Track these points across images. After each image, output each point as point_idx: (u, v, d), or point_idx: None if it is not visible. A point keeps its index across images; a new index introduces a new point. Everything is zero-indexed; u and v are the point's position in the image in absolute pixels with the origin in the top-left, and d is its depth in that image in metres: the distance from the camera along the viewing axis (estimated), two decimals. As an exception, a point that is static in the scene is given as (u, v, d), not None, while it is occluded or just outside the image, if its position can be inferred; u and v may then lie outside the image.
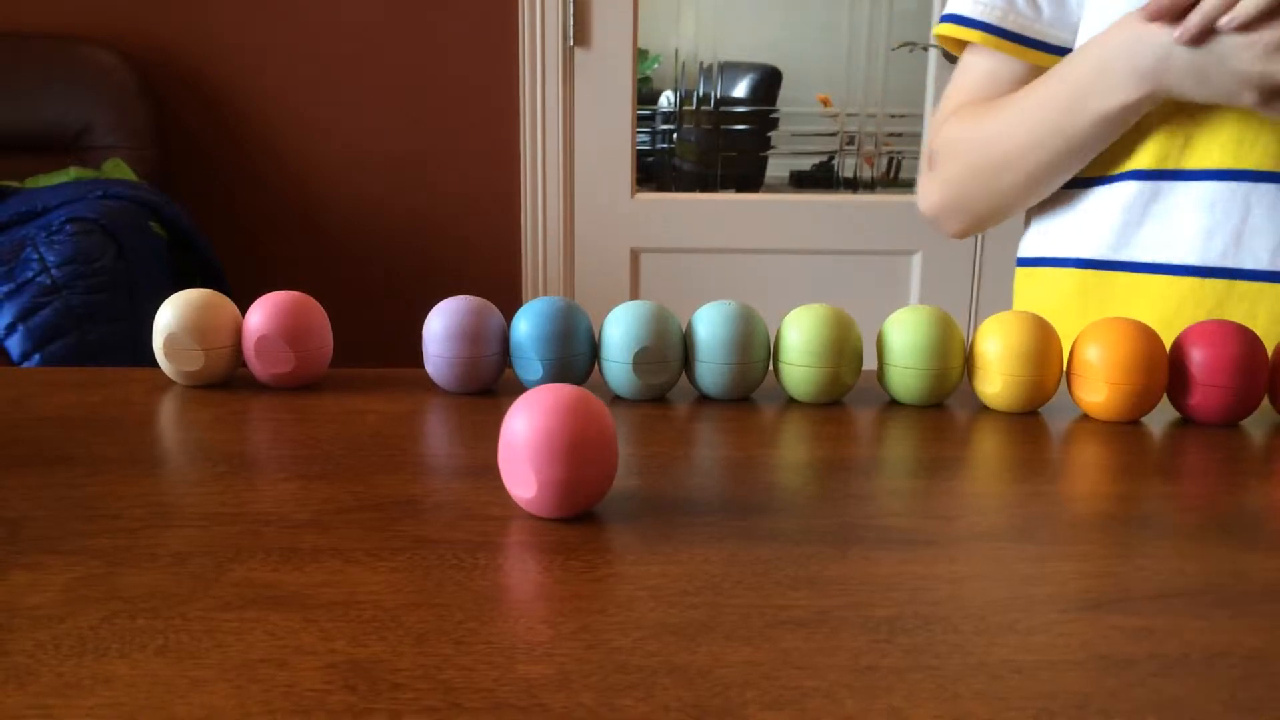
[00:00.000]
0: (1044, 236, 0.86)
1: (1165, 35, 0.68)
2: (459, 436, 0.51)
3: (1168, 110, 0.75)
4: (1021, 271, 0.89)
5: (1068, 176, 0.80)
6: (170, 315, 0.56)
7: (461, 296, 0.57)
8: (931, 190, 0.88)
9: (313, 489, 0.44)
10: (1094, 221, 0.81)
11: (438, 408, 0.56)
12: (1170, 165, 0.76)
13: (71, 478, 0.44)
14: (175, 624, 0.32)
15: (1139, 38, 0.70)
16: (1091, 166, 0.80)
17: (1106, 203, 0.79)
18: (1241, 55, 0.66)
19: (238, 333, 0.57)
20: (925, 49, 2.21)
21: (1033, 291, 0.87)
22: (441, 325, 0.55)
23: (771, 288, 2.26)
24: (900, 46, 2.50)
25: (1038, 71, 0.82)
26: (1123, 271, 0.79)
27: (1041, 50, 0.81)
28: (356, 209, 2.17)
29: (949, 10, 0.86)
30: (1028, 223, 0.89)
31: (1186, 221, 0.75)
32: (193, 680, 0.29)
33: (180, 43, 2.09)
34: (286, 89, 2.11)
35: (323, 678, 0.29)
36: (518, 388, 0.58)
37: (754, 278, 2.26)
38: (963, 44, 0.86)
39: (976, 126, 0.83)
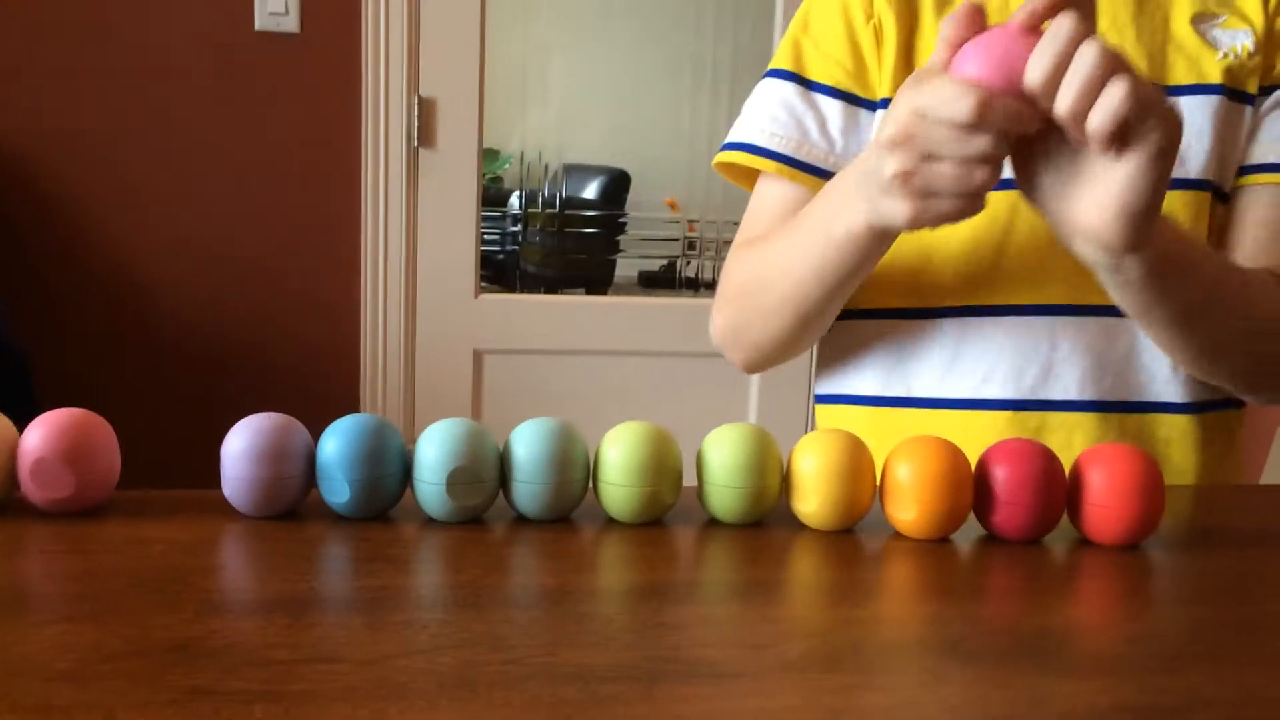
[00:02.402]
0: (848, 373, 0.85)
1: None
2: (253, 567, 0.48)
3: (970, 246, 0.77)
4: (823, 409, 0.88)
5: (832, 306, 0.76)
6: (-64, 435, 0.51)
7: (264, 414, 0.54)
8: (716, 318, 0.85)
9: (78, 633, 0.40)
10: (906, 358, 0.80)
11: (234, 534, 0.52)
12: (981, 300, 0.77)
13: None
14: (-118, 808, 0.28)
15: (868, 158, 0.63)
16: (899, 301, 0.80)
17: (919, 338, 0.80)
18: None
19: (13, 455, 0.52)
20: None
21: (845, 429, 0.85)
22: (241, 444, 0.52)
23: (614, 390, 2.26)
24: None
25: None
26: (940, 409, 0.79)
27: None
28: (187, 308, 2.08)
29: (737, 139, 0.83)
30: (827, 360, 0.87)
31: (998, 356, 0.77)
32: None
33: (-3, 129, 1.99)
34: (115, 180, 2.03)
35: None
36: (323, 510, 0.55)
37: (597, 380, 2.27)
38: (749, 172, 0.83)
39: (750, 256, 0.80)
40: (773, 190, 0.83)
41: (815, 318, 0.76)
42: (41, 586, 0.45)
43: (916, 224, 0.60)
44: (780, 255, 0.75)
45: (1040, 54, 0.52)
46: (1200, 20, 0.77)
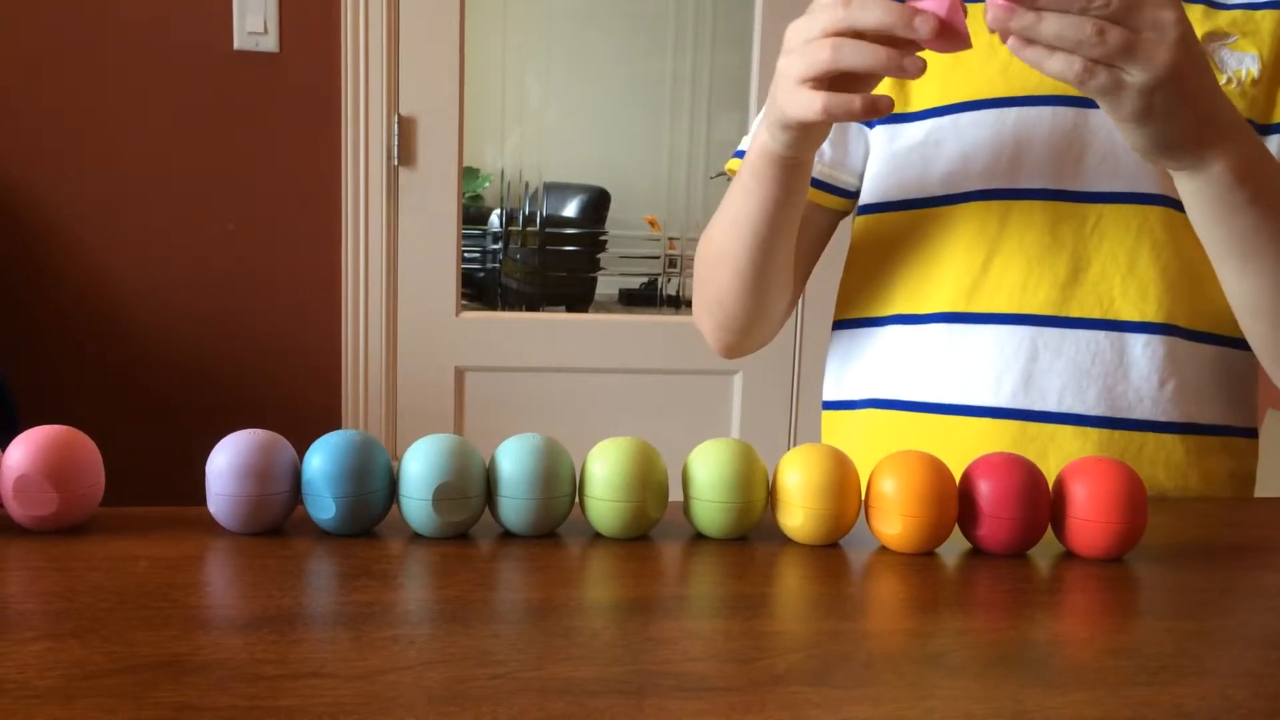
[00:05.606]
0: (846, 379, 0.87)
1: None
2: (238, 584, 0.48)
3: (961, 253, 0.78)
4: (827, 415, 0.90)
5: (771, 261, 0.80)
6: (-84, 452, 0.50)
7: (249, 430, 0.54)
8: (696, 309, 0.90)
9: (62, 650, 0.39)
10: (896, 364, 0.82)
11: (219, 551, 0.52)
12: (963, 308, 0.78)
13: None
14: None
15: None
16: (891, 307, 0.82)
17: (908, 344, 0.81)
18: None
19: (-5, 471, 0.52)
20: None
21: (840, 434, 0.87)
22: (226, 461, 0.52)
23: (596, 407, 2.26)
24: (718, 176, 2.60)
25: (817, 209, 0.85)
26: (924, 413, 0.80)
27: (823, 190, 0.84)
28: (169, 326, 2.07)
29: (741, 147, 0.88)
30: (831, 367, 0.90)
31: (979, 363, 0.78)
32: None
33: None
34: (95, 199, 2.02)
35: None
36: (308, 526, 0.55)
37: (579, 397, 2.27)
38: None
39: (703, 237, 0.86)
40: None
41: (757, 274, 0.80)
42: (24, 604, 0.44)
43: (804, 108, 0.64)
44: (717, 224, 0.81)
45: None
46: (1211, 39, 0.76)
